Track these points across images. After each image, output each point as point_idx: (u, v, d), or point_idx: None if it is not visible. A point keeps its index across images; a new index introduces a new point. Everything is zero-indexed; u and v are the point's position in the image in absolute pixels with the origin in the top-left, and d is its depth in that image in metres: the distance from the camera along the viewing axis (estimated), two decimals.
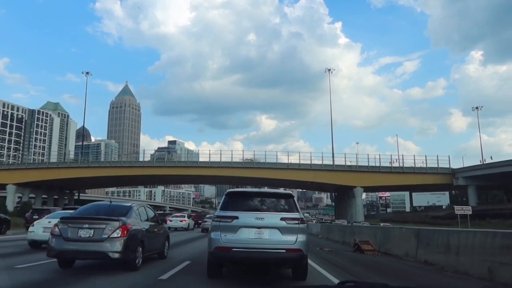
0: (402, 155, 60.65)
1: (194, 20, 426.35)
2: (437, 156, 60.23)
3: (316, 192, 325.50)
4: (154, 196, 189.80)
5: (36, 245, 12.84)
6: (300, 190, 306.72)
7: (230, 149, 60.88)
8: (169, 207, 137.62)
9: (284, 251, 6.47)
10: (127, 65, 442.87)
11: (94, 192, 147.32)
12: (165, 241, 10.70)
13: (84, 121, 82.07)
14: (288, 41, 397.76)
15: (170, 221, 33.17)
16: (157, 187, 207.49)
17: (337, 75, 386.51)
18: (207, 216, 39.93)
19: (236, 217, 6.60)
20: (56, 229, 7.87)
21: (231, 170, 60.83)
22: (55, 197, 75.33)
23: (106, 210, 8.58)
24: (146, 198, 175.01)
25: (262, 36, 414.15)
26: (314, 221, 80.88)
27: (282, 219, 6.66)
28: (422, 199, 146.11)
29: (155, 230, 9.92)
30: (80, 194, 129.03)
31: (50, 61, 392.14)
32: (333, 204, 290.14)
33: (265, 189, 10.36)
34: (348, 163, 60.80)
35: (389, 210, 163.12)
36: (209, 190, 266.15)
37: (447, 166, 59.91)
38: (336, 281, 6.63)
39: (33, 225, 13.46)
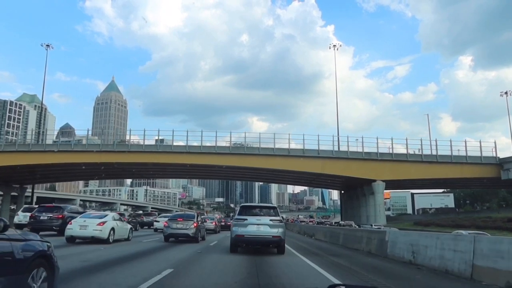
0: (436, 140, 46.18)
1: (186, 20, 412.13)
2: (480, 142, 46.01)
3: (307, 194, 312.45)
4: (136, 195, 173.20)
5: (72, 240, 14.88)
6: (305, 187, 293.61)
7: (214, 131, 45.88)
8: (151, 207, 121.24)
9: (271, 236, 11.85)
10: (117, 65, 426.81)
11: (67, 189, 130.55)
12: (205, 231, 20.51)
13: (42, 98, 67.08)
14: (281, 42, 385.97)
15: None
16: (142, 185, 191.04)
17: (330, 78, 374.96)
18: (202, 217, 36.18)
19: (246, 219, 12.07)
20: (167, 223, 17.77)
21: (215, 158, 45.75)
22: None
23: (186, 216, 18.97)
24: (128, 198, 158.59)
25: (255, 37, 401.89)
26: (310, 223, 66.05)
27: (270, 220, 12.08)
28: (424, 201, 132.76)
29: (203, 225, 20.22)
30: (49, 192, 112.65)
31: (38, 60, 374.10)
32: (324, 206, 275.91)
33: (261, 204, 17.70)
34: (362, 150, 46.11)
35: (387, 213, 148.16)
36: (197, 191, 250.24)
37: (493, 155, 45.64)
38: None
39: (71, 223, 15.42)
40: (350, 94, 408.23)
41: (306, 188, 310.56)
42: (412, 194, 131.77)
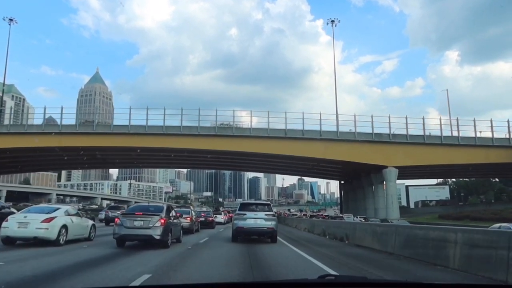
0: (457, 119, 38.97)
1: (173, 14, 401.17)
2: (508, 122, 39.00)
3: (297, 188, 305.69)
4: (120, 189, 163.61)
5: (10, 241, 11.60)
6: (294, 182, 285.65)
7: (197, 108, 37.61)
8: (135, 202, 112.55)
9: (266, 228, 13.64)
10: (104, 59, 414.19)
11: (42, 182, 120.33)
12: (180, 230, 14.20)
13: (4, 81, 58.16)
14: (270, 37, 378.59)
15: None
16: (128, 179, 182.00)
17: (319, 72, 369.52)
18: (176, 209, 28.14)
19: (245, 214, 13.87)
20: (118, 220, 11.51)
21: (198, 141, 37.93)
22: None
23: (149, 208, 12.53)
24: (111, 192, 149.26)
25: (244, 31, 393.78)
26: (303, 216, 59.51)
27: (265, 214, 13.84)
28: (419, 194, 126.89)
29: (177, 222, 13.76)
30: (21, 186, 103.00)
31: (22, 53, 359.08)
32: (314, 200, 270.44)
33: (257, 201, 20.90)
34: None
35: None
36: (185, 186, 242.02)
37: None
38: None
39: (7, 220, 12.00)
40: (339, 88, 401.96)
41: (295, 182, 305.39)
42: (407, 187, 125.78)
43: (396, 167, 38.21)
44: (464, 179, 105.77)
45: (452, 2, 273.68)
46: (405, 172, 42.48)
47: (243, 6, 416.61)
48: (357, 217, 37.34)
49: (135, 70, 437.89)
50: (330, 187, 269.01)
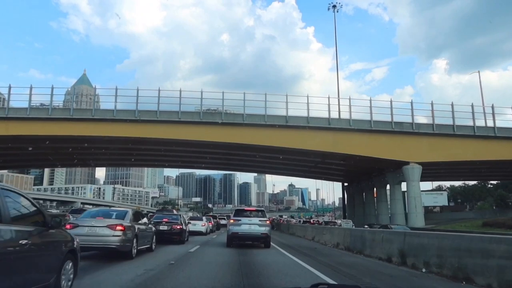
0: (492, 105, 31.89)
1: (165, 19, 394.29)
2: None
3: (287, 194, 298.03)
4: (104, 194, 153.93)
5: None
6: (285, 187, 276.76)
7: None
8: (118, 207, 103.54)
9: (260, 233, 13.88)
10: (94, 63, 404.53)
11: (16, 185, 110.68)
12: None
13: None
14: (261, 43, 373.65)
15: None
16: (115, 184, 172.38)
17: (310, 79, 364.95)
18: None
19: (240, 220, 14.07)
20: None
21: (179, 129, 30.31)
22: None
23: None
24: (94, 197, 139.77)
25: (235, 37, 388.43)
26: (299, 221, 52.32)
27: (259, 220, 14.09)
28: None
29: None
30: None
31: (11, 57, 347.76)
32: (304, 206, 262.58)
33: (252, 208, 18.33)
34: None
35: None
36: (174, 191, 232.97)
37: None
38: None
39: None
40: (330, 95, 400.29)
41: (286, 188, 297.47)
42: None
43: (419, 163, 31.01)
44: (482, 182, 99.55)
45: (441, 11, 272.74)
46: (426, 170, 35.15)
47: (234, 13, 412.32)
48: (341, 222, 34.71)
49: (126, 75, 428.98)
50: (322, 193, 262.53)
